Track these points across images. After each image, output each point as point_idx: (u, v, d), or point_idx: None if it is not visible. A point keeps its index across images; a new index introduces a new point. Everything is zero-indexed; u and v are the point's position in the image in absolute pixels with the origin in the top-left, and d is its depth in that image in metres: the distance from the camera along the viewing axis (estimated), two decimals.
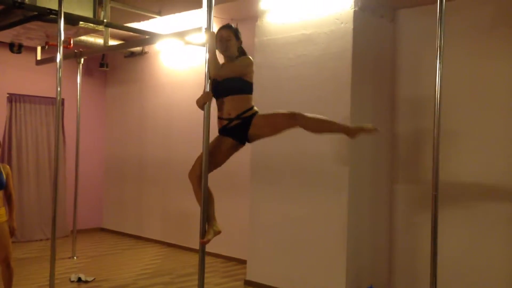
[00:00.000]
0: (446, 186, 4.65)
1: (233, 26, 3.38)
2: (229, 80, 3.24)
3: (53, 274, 4.48)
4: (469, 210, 4.65)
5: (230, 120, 3.27)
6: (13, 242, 7.23)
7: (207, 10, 3.31)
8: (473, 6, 4.72)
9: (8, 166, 4.60)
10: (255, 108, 3.34)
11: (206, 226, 3.27)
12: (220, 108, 3.30)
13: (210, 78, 3.25)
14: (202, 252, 3.31)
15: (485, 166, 4.60)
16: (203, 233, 3.23)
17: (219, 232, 3.35)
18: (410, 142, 5.09)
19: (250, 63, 3.32)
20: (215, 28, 3.52)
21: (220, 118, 3.30)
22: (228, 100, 3.25)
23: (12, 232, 4.46)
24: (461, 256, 4.67)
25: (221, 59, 3.31)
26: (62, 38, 4.55)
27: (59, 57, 4.54)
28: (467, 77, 4.73)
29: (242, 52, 3.38)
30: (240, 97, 3.26)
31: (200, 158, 3.25)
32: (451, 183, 4.70)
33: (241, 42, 3.37)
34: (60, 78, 4.54)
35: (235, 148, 3.40)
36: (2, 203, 4.42)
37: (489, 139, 4.59)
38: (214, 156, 3.29)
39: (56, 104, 4.55)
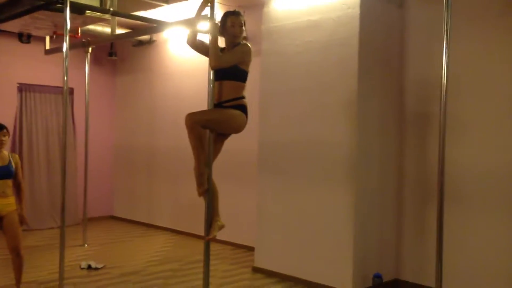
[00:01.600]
0: (453, 176, 4.62)
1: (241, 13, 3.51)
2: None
3: (63, 261, 4.53)
4: (475, 201, 4.59)
5: (219, 104, 3.40)
6: (24, 230, 7.38)
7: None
8: None
9: (17, 156, 4.65)
10: (244, 100, 3.42)
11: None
12: (217, 91, 3.43)
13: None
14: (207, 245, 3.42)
15: (493, 157, 4.52)
16: (208, 230, 3.41)
17: (222, 227, 3.47)
18: (419, 130, 5.02)
19: (249, 51, 3.40)
20: (220, 15, 3.55)
21: (216, 100, 3.44)
22: (225, 84, 3.38)
23: (22, 221, 4.53)
24: (467, 245, 4.63)
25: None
26: (69, 27, 4.55)
27: (65, 46, 4.54)
28: (476, 64, 4.64)
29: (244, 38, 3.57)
30: (233, 83, 3.38)
31: (203, 112, 3.37)
32: (458, 174, 4.64)
33: (245, 30, 3.51)
34: (66, 68, 4.54)
35: (220, 136, 3.51)
36: (12, 192, 4.48)
37: (497, 128, 4.51)
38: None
39: (63, 94, 4.57)
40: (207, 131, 3.34)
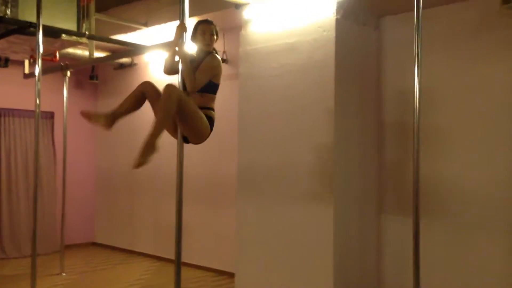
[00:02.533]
0: (432, 191, 4.60)
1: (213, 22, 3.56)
2: None
3: None
4: (455, 215, 4.55)
5: None
6: (2, 258, 7.25)
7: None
8: (456, 11, 4.67)
9: None
10: (213, 113, 3.46)
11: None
12: None
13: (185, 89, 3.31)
14: (178, 266, 3.28)
15: (468, 170, 4.53)
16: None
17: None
18: (396, 149, 5.00)
19: (219, 64, 3.46)
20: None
21: None
22: (196, 96, 3.38)
23: None
24: (446, 262, 4.56)
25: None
26: (41, 51, 4.49)
27: (37, 69, 4.48)
28: (450, 84, 4.68)
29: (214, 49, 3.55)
30: (204, 95, 3.41)
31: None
32: (436, 189, 4.61)
33: (217, 39, 3.54)
34: (39, 91, 4.48)
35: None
36: None
37: (472, 142, 4.53)
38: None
39: (35, 117, 4.49)
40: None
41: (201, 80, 3.34)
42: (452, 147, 4.68)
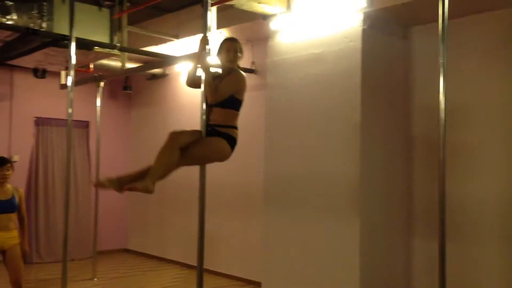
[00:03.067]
0: (464, 209, 4.48)
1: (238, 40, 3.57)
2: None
3: None
4: (482, 234, 4.42)
5: (212, 126, 3.38)
6: (39, 263, 7.48)
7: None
8: (484, 22, 4.57)
9: (21, 190, 4.70)
10: (236, 131, 3.40)
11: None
12: (208, 114, 3.40)
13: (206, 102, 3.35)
14: (200, 274, 3.31)
15: (498, 185, 4.39)
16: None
17: (147, 190, 3.05)
18: (426, 159, 4.90)
19: (243, 79, 3.44)
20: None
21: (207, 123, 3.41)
22: (216, 111, 3.37)
23: (24, 255, 4.55)
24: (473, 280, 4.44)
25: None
26: (74, 62, 4.63)
27: (70, 81, 4.63)
28: (480, 95, 4.56)
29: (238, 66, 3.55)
30: (227, 111, 3.39)
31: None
32: (468, 207, 4.50)
33: (242, 56, 3.54)
34: (71, 101, 4.63)
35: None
36: (15, 226, 4.52)
37: (501, 157, 4.39)
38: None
39: (67, 126, 4.66)
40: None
41: (223, 93, 3.35)
42: (483, 166, 4.54)
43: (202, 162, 3.39)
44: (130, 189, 3.04)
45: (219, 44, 3.56)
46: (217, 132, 3.34)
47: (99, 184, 3.17)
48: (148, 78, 8.40)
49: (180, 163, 3.18)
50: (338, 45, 4.81)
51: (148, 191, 3.02)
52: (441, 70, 3.36)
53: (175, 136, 3.19)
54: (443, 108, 3.35)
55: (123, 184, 3.13)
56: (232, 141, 3.36)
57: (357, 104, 4.65)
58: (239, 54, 3.49)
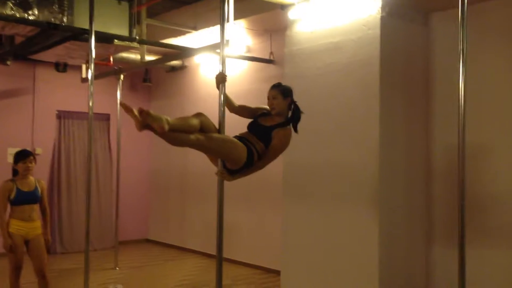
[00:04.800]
0: (483, 198, 4.42)
1: (281, 84, 3.44)
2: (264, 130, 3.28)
3: (87, 285, 4.61)
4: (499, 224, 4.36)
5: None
6: (62, 253, 7.64)
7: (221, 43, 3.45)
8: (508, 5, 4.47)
9: (43, 182, 4.79)
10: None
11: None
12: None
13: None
14: (219, 262, 3.35)
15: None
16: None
17: (161, 125, 2.91)
18: (446, 151, 4.85)
19: (283, 145, 3.32)
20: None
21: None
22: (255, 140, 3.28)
23: (47, 245, 4.65)
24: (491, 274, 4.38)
25: None
26: (93, 56, 4.68)
27: (90, 74, 4.69)
28: (501, 82, 4.47)
29: (295, 112, 3.38)
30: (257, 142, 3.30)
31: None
32: (486, 196, 4.43)
33: (290, 100, 3.37)
34: (92, 94, 4.68)
35: None
36: (38, 217, 4.62)
37: None
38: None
39: (88, 119, 4.71)
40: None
41: (270, 156, 3.29)
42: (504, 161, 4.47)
43: (215, 152, 3.29)
44: (145, 118, 2.95)
45: None
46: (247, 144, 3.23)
47: (125, 106, 2.99)
48: (167, 70, 8.45)
49: (199, 138, 3.06)
50: (356, 33, 4.77)
51: (159, 123, 2.89)
52: (461, 56, 3.30)
53: (202, 113, 3.13)
54: (462, 97, 3.29)
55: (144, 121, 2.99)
56: (250, 157, 3.21)
57: (376, 93, 4.61)
58: (277, 100, 3.33)
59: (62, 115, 8.05)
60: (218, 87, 3.37)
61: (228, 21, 5.18)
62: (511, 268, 4.36)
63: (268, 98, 3.37)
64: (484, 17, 4.49)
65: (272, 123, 3.31)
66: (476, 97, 4.36)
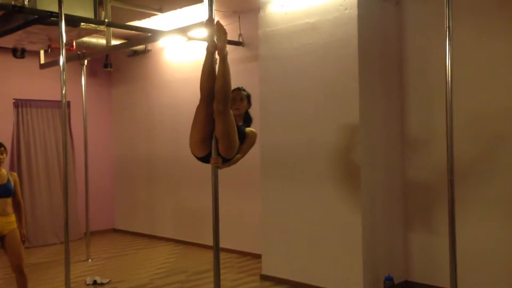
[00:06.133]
0: (462, 173, 4.57)
1: (246, 90, 3.48)
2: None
3: (69, 278, 4.47)
4: (483, 200, 4.54)
5: None
6: (26, 247, 7.34)
7: (209, 6, 3.24)
8: None
9: (15, 174, 4.58)
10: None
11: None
12: None
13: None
14: (216, 250, 3.29)
15: (500, 152, 4.49)
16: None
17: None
18: (422, 128, 4.98)
19: (254, 142, 3.43)
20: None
21: None
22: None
23: (23, 239, 4.46)
24: (480, 245, 4.57)
25: None
26: (64, 40, 4.48)
27: (62, 60, 4.49)
28: (476, 59, 4.61)
29: (248, 119, 3.48)
30: None
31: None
32: (467, 170, 4.59)
33: (250, 106, 3.50)
34: (64, 81, 4.49)
35: None
36: (12, 211, 4.41)
37: (503, 121, 4.47)
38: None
39: (61, 107, 4.50)
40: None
41: (237, 153, 3.26)
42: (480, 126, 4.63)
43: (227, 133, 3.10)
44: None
45: None
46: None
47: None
48: (129, 54, 8.21)
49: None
50: (333, 13, 4.78)
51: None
52: (447, 33, 3.37)
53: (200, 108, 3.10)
54: (449, 73, 3.38)
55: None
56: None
57: (354, 73, 4.65)
58: (243, 103, 3.39)
59: (19, 104, 7.67)
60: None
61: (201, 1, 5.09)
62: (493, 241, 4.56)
63: (235, 99, 3.34)
64: None
65: (238, 123, 3.33)
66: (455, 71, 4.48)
